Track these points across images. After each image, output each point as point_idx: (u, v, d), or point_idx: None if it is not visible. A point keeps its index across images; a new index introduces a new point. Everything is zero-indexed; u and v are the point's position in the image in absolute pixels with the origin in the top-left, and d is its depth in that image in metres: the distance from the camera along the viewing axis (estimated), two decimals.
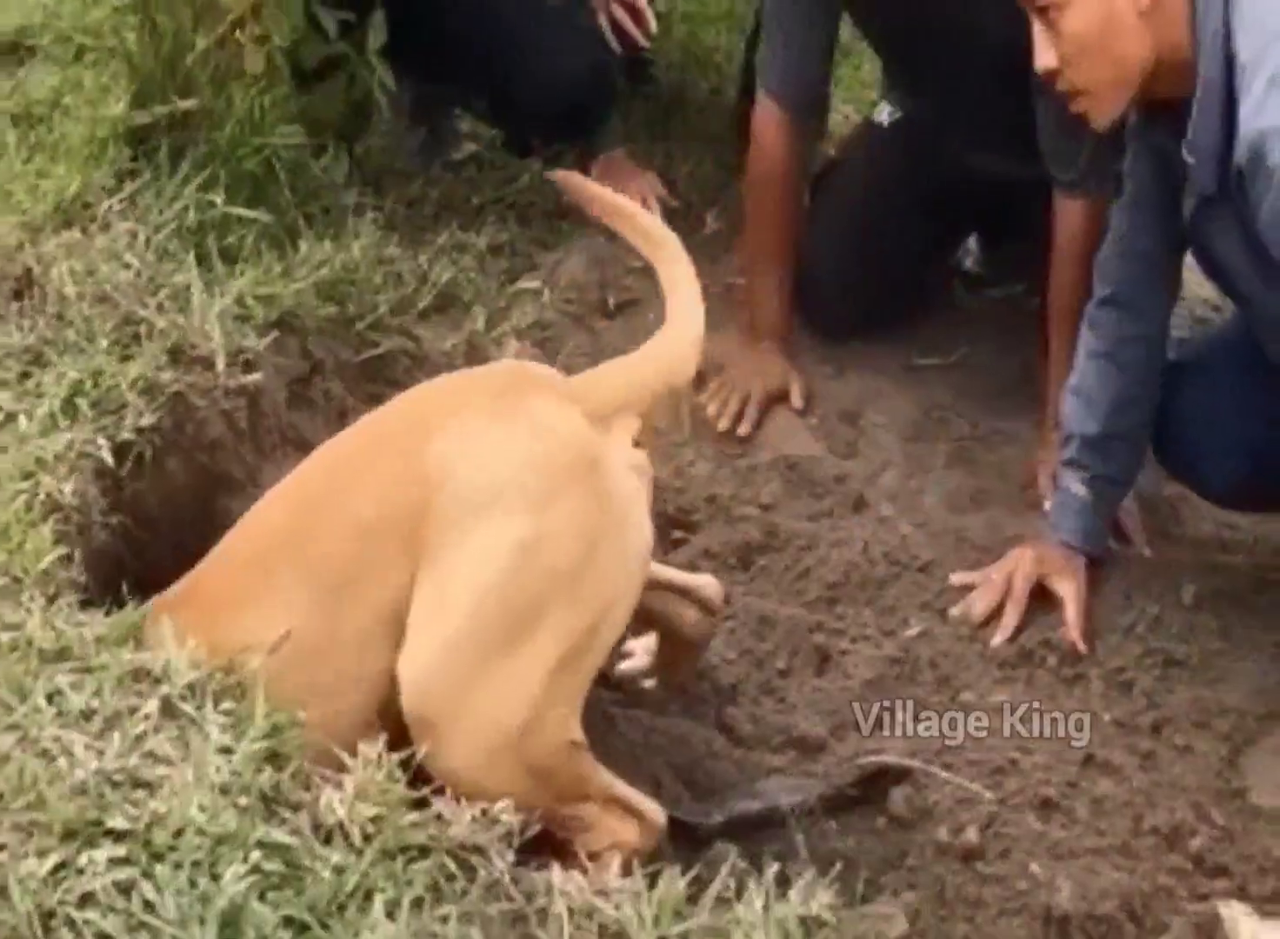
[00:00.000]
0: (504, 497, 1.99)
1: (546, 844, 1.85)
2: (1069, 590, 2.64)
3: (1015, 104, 2.88)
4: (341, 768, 1.79)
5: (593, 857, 2.01)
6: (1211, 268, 2.52)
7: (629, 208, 2.47)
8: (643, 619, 2.40)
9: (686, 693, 2.53)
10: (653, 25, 3.74)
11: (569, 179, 2.60)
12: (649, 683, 2.51)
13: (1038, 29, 2.28)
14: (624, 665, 2.52)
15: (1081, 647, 2.59)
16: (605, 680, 2.44)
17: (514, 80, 3.60)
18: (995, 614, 2.65)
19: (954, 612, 2.69)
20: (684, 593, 2.44)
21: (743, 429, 3.15)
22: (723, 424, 3.17)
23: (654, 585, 2.35)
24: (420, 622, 1.96)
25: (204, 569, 2.13)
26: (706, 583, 2.49)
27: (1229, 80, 2.21)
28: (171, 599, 2.09)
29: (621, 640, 2.45)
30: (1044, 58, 2.29)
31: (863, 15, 3.27)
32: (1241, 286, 2.46)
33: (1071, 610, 2.62)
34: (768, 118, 3.24)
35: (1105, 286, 2.64)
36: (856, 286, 3.35)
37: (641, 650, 2.51)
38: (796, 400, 3.22)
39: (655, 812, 2.10)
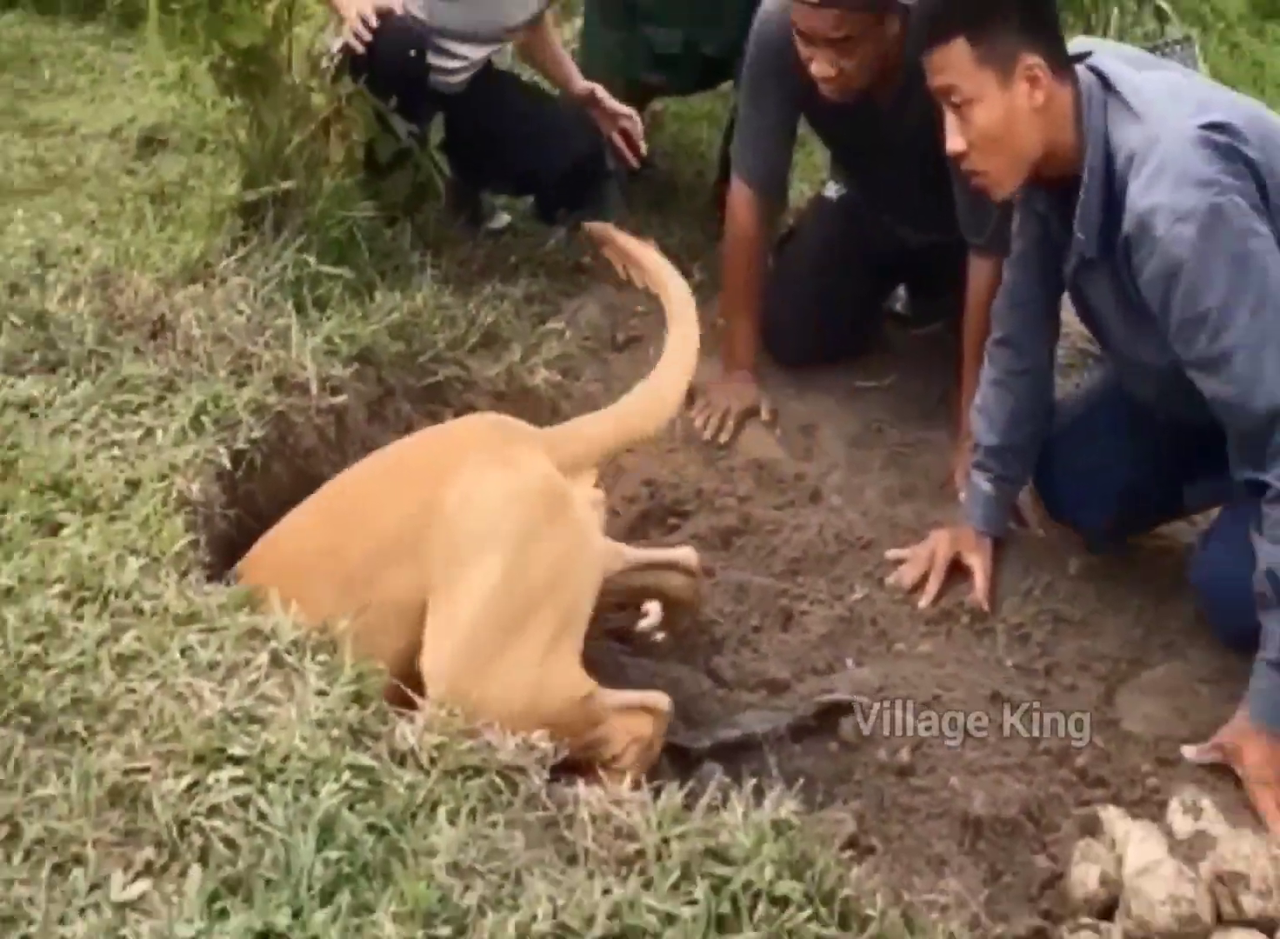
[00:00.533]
0: (497, 532, 2.03)
1: (573, 764, 1.83)
2: (978, 564, 2.64)
3: (933, 191, 2.87)
4: (412, 707, 1.79)
5: (616, 758, 2.06)
6: (1086, 316, 2.51)
7: (649, 260, 2.48)
8: (642, 592, 2.45)
9: (684, 644, 2.53)
10: (643, 149, 3.70)
11: (597, 229, 2.59)
12: (660, 636, 2.52)
13: (950, 118, 2.26)
14: (642, 624, 2.52)
15: (986, 607, 2.60)
16: (622, 636, 2.44)
17: (535, 160, 3.60)
18: (921, 582, 2.65)
19: (890, 580, 2.68)
20: (669, 565, 2.46)
21: (722, 438, 3.14)
22: (707, 434, 3.16)
23: (645, 565, 2.41)
24: (436, 633, 1.99)
25: (252, 557, 2.15)
26: (685, 554, 2.51)
27: (1109, 166, 2.21)
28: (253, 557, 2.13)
29: (638, 605, 2.50)
30: (954, 142, 2.27)
31: (814, 122, 3.26)
32: (1110, 332, 2.44)
33: (980, 579, 2.62)
34: (740, 197, 3.22)
35: (999, 329, 2.63)
36: (811, 327, 3.34)
37: (655, 612, 2.52)
38: (764, 415, 3.22)
39: (660, 700, 2.15)
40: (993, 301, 2.69)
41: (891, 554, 2.74)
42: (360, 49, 3.09)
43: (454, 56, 3.48)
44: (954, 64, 2.21)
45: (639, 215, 3.81)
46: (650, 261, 2.50)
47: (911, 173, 2.97)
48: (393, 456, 2.24)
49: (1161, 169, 2.10)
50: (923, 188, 2.97)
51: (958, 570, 2.66)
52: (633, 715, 2.10)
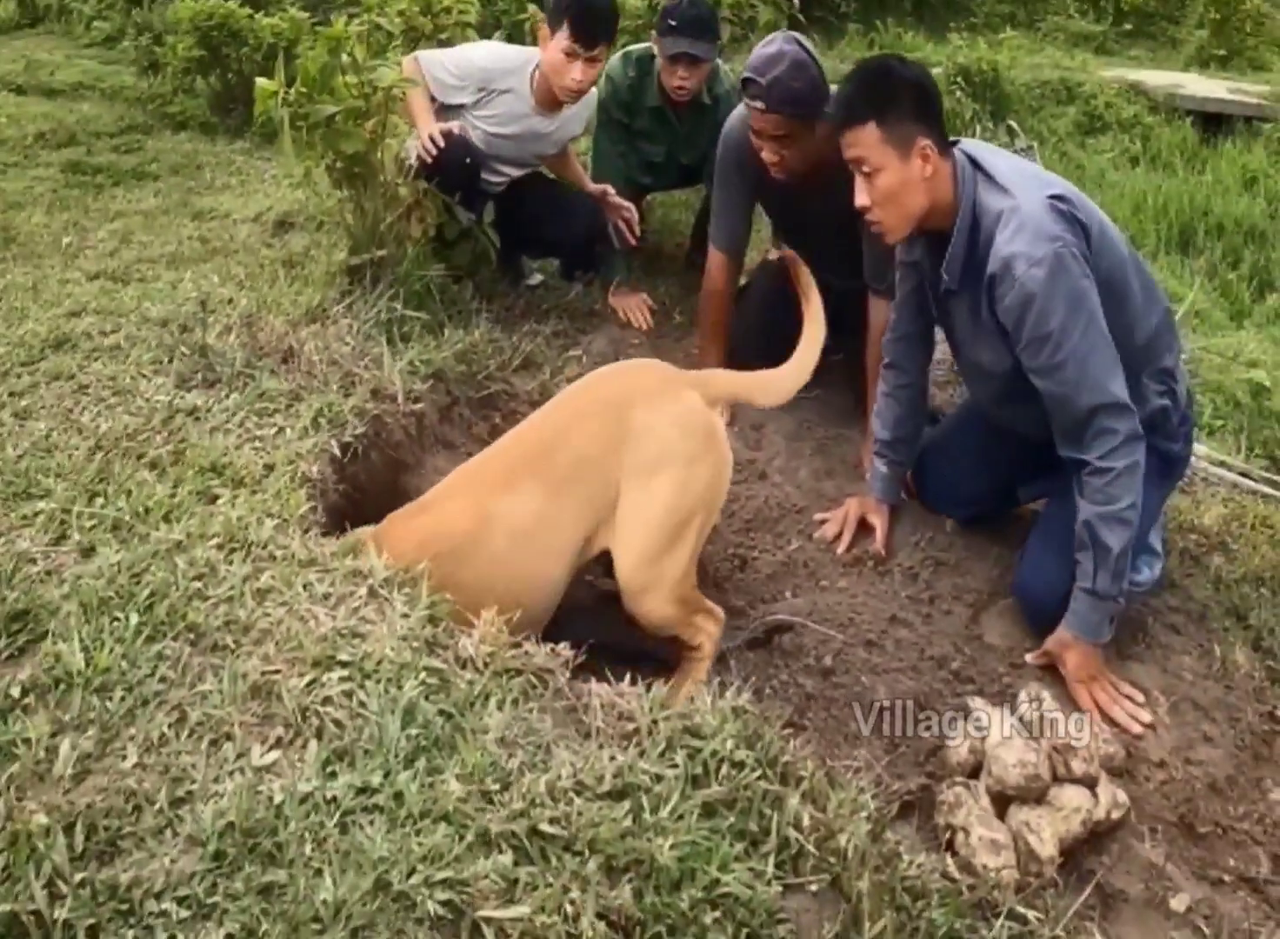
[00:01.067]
0: (673, 451, 2.07)
1: (588, 668, 1.81)
2: (879, 523, 2.61)
3: (848, 249, 2.88)
4: (470, 626, 1.77)
5: (696, 646, 2.13)
6: (947, 331, 2.47)
7: (813, 294, 2.49)
8: None
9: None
10: (638, 231, 3.64)
11: (795, 263, 2.63)
12: None
13: (859, 181, 2.21)
14: None
15: (884, 554, 2.57)
16: None
17: (558, 232, 3.57)
18: (839, 536, 2.63)
19: (817, 535, 2.66)
20: None
21: None
22: None
23: None
24: (627, 528, 2.04)
25: (469, 469, 2.14)
26: None
27: (975, 222, 2.20)
28: (451, 486, 2.11)
29: None
30: (861, 199, 2.21)
31: (765, 203, 3.23)
32: (962, 342, 2.41)
33: (880, 534, 2.60)
34: (715, 260, 3.19)
35: (887, 356, 2.61)
36: (763, 353, 3.28)
37: None
38: (725, 417, 3.14)
39: (719, 610, 2.19)
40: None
41: (818, 517, 2.71)
42: (429, 160, 3.09)
43: (500, 174, 3.48)
44: (865, 141, 2.16)
45: (636, 275, 3.79)
46: (811, 293, 2.49)
47: (830, 238, 2.96)
48: (583, 396, 2.19)
49: (1021, 226, 2.09)
50: (838, 248, 2.97)
51: (865, 528, 2.63)
52: (706, 617, 2.14)
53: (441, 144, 3.07)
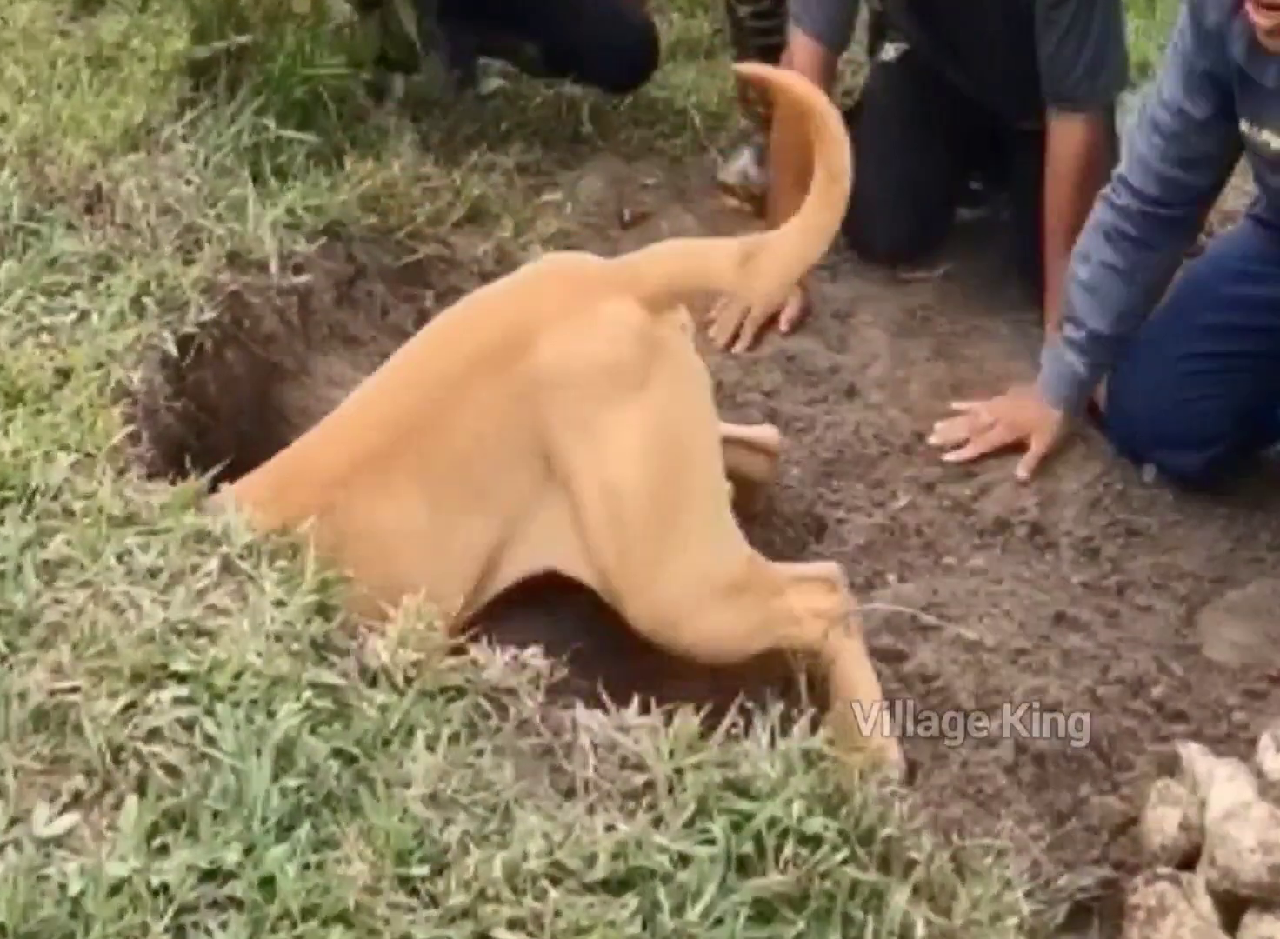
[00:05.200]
0: (605, 399, 1.98)
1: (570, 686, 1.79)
2: (1040, 444, 2.65)
3: (1016, 69, 2.94)
4: (385, 618, 1.75)
5: (810, 646, 2.04)
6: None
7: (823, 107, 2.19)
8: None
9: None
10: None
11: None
12: None
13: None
14: None
15: (1024, 477, 2.62)
16: None
17: (582, 41, 3.55)
18: (963, 443, 2.69)
19: (934, 437, 2.74)
20: (749, 443, 2.43)
21: (738, 347, 3.03)
22: (720, 341, 3.04)
23: (726, 440, 2.28)
24: (593, 539, 1.96)
25: (311, 449, 2.10)
26: (766, 432, 2.51)
27: None
28: (278, 472, 2.06)
29: None
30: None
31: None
32: None
33: (1034, 455, 2.64)
34: (804, 53, 3.13)
35: (1130, 224, 2.60)
36: (897, 214, 3.29)
37: None
38: (783, 326, 3.08)
39: (828, 568, 2.15)
40: (1081, 173, 2.82)
41: (956, 405, 2.77)
42: None
43: None
44: None
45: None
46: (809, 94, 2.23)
47: (994, 51, 3.04)
48: (464, 340, 2.12)
49: None
50: (1004, 65, 3.04)
51: (1015, 448, 2.67)
52: (806, 590, 2.08)
53: None
